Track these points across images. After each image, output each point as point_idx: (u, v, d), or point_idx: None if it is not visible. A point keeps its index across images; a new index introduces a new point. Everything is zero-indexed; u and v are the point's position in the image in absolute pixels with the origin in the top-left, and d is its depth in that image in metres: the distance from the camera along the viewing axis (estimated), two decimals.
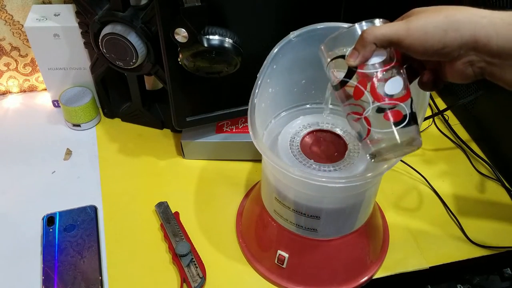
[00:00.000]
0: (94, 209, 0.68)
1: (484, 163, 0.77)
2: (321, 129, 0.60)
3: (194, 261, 0.61)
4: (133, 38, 0.66)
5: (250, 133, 0.52)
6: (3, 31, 0.81)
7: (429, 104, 0.85)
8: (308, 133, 0.59)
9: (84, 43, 0.75)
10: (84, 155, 0.78)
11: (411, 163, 0.76)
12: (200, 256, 0.62)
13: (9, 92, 0.89)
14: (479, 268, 0.68)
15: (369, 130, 0.44)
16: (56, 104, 0.85)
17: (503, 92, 0.73)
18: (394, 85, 0.43)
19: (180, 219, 0.67)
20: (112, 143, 0.80)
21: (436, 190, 0.73)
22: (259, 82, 0.55)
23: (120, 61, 0.69)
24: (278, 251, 0.59)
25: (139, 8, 0.66)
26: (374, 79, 0.43)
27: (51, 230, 0.65)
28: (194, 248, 0.63)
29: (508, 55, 0.37)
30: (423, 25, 0.39)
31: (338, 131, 0.59)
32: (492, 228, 0.68)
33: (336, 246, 0.58)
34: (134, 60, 0.68)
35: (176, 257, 0.61)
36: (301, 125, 0.60)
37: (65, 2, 0.79)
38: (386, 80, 0.43)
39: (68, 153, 0.78)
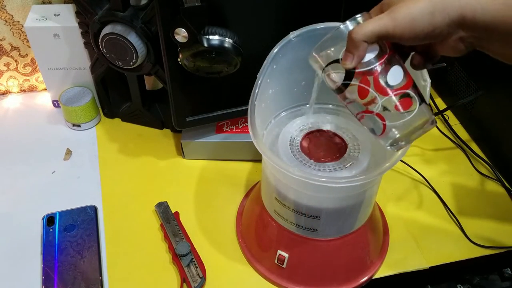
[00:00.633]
0: (94, 209, 0.68)
1: (484, 163, 0.77)
2: (321, 129, 0.60)
3: (194, 261, 0.61)
4: (133, 38, 0.66)
5: (250, 133, 0.52)
6: (3, 31, 0.81)
7: (429, 104, 0.84)
8: (308, 133, 0.59)
9: (84, 43, 0.75)
10: (84, 155, 0.78)
11: (411, 163, 0.76)
12: (200, 256, 0.62)
13: (9, 92, 0.89)
14: (479, 268, 0.68)
15: (384, 125, 0.44)
16: (56, 104, 0.85)
17: (503, 92, 0.74)
18: (395, 75, 0.43)
19: (180, 219, 0.67)
20: (112, 143, 0.80)
21: (436, 190, 0.73)
22: (259, 82, 0.55)
23: (120, 61, 0.69)
24: (278, 251, 0.59)
25: (139, 8, 0.66)
26: (375, 75, 0.43)
27: (51, 230, 0.65)
28: (194, 248, 0.63)
29: (494, 29, 0.38)
30: (409, 13, 0.39)
31: (338, 131, 0.59)
32: (492, 228, 0.68)
33: (336, 246, 0.58)
34: (134, 60, 0.68)
35: (176, 257, 0.61)
36: (301, 125, 0.60)
37: (65, 2, 0.79)
38: (386, 72, 0.43)
39: (68, 153, 0.78)
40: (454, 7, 0.38)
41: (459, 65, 0.82)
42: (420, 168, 0.75)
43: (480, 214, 0.70)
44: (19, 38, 0.82)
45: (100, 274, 0.60)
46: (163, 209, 0.68)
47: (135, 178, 0.74)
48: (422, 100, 0.44)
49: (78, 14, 0.70)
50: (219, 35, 0.58)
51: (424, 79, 0.49)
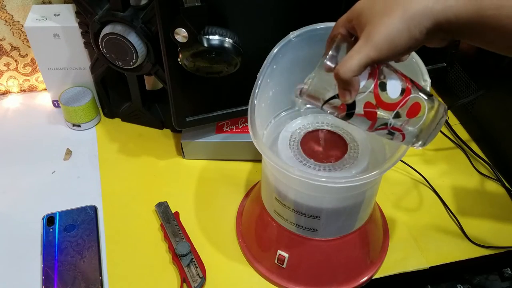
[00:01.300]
0: (94, 209, 0.68)
1: (484, 163, 0.77)
2: (321, 129, 0.60)
3: (194, 261, 0.61)
4: (133, 38, 0.66)
5: (250, 133, 0.52)
6: (3, 31, 0.81)
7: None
8: (308, 133, 0.59)
9: (84, 43, 0.75)
10: (84, 155, 0.78)
11: (411, 163, 0.76)
12: (200, 256, 0.62)
13: (9, 92, 0.89)
14: (479, 268, 0.68)
15: (403, 135, 0.45)
16: (56, 104, 0.85)
17: (503, 92, 0.74)
18: (394, 86, 0.43)
19: (180, 219, 0.67)
20: (112, 143, 0.80)
21: (436, 190, 0.73)
22: (259, 82, 0.55)
23: (120, 61, 0.69)
24: (278, 251, 0.59)
25: (139, 8, 0.66)
26: (376, 94, 0.42)
27: (51, 230, 0.65)
28: (194, 248, 0.63)
29: (471, 28, 0.38)
30: (387, 35, 0.39)
31: (338, 131, 0.59)
32: (492, 228, 0.68)
33: (336, 246, 0.58)
34: (134, 60, 0.68)
35: (176, 257, 0.61)
36: (301, 125, 0.60)
37: (65, 2, 0.79)
38: (384, 87, 0.43)
39: (68, 153, 0.78)
40: (428, 18, 0.38)
41: (459, 65, 0.82)
42: (420, 168, 0.75)
43: (480, 214, 0.70)
44: (19, 38, 0.82)
45: (100, 274, 0.60)
46: (163, 209, 0.68)
47: (135, 178, 0.74)
48: (426, 94, 0.44)
49: (78, 14, 0.70)
50: (219, 35, 0.58)
51: (424, 79, 0.49)
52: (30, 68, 0.87)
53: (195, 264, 0.61)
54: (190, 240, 0.64)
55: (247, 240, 0.64)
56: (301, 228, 0.57)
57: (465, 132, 0.83)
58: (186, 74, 0.63)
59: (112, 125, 0.83)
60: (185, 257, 0.61)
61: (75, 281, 0.59)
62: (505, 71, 0.73)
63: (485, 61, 0.77)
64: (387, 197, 0.72)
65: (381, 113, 0.43)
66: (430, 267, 0.63)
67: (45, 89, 0.89)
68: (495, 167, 0.76)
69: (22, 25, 0.81)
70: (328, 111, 0.45)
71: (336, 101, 0.43)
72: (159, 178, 0.74)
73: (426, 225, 0.68)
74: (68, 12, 0.75)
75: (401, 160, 0.75)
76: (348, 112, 0.44)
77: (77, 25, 0.73)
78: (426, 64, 0.51)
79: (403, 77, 0.44)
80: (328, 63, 0.42)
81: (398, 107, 0.43)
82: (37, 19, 0.74)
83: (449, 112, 0.86)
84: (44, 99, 0.88)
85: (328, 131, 0.60)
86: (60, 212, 0.67)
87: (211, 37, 0.57)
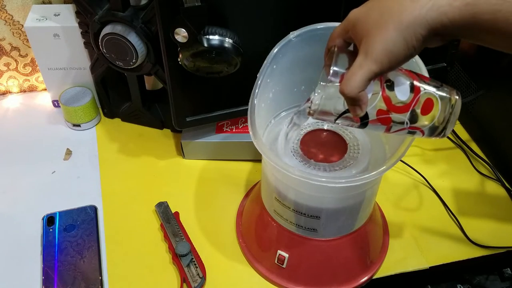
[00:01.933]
0: (94, 209, 0.68)
1: (484, 163, 0.77)
2: (321, 128, 0.60)
3: (194, 261, 0.61)
4: (133, 38, 0.66)
5: (250, 133, 0.52)
6: (3, 31, 0.81)
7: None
8: (308, 133, 0.59)
9: (84, 43, 0.75)
10: (84, 155, 0.78)
11: (411, 163, 0.76)
12: (200, 256, 0.62)
13: (9, 92, 0.89)
14: (479, 268, 0.68)
15: (422, 131, 0.45)
16: (56, 104, 0.85)
17: (503, 92, 0.74)
18: (403, 89, 0.43)
19: (180, 219, 0.67)
20: (112, 143, 0.80)
21: (436, 190, 0.73)
22: (259, 82, 0.55)
23: (120, 61, 0.69)
24: (278, 251, 0.59)
25: (139, 8, 0.66)
26: (386, 101, 0.42)
27: (51, 230, 0.65)
28: (194, 248, 0.63)
29: (468, 30, 0.38)
30: (385, 48, 0.39)
31: (338, 131, 0.59)
32: (492, 228, 0.68)
33: (336, 246, 0.58)
34: (134, 60, 0.68)
35: (176, 257, 0.61)
36: None
37: (65, 2, 0.79)
38: (392, 91, 0.43)
39: (68, 153, 0.78)
40: (423, 26, 0.38)
41: (459, 65, 0.82)
42: (420, 168, 0.75)
43: (480, 214, 0.70)
44: (19, 38, 0.82)
45: (100, 274, 0.60)
46: (163, 209, 0.68)
47: (135, 178, 0.74)
48: (436, 86, 0.44)
49: (78, 14, 0.70)
50: (219, 35, 0.58)
51: None
52: (30, 68, 0.87)
53: (195, 264, 0.61)
54: (190, 240, 0.64)
55: (247, 240, 0.64)
56: (301, 228, 0.57)
57: (465, 132, 0.83)
58: (186, 74, 0.63)
59: (112, 125, 0.83)
60: (185, 257, 0.61)
61: (75, 281, 0.59)
62: (505, 71, 0.73)
63: (485, 61, 0.77)
64: (387, 197, 0.72)
65: (395, 116, 0.43)
66: (430, 267, 0.63)
67: (45, 89, 0.89)
68: (495, 167, 0.76)
69: (22, 25, 0.81)
70: (342, 124, 0.45)
71: (349, 114, 0.43)
72: (159, 178, 0.74)
73: (426, 225, 0.68)
74: (68, 12, 0.75)
75: (401, 160, 0.75)
76: (362, 122, 0.44)
77: (77, 25, 0.73)
78: (426, 64, 0.51)
79: (409, 75, 0.44)
80: (333, 79, 0.42)
81: (411, 108, 0.43)
82: (37, 19, 0.74)
83: None
84: (44, 99, 0.88)
85: (328, 131, 0.60)
86: (60, 212, 0.67)
87: (211, 37, 0.57)
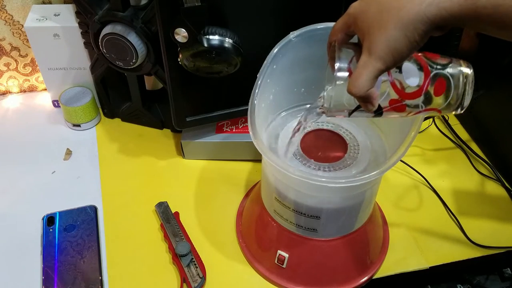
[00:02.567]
0: (94, 209, 0.68)
1: (484, 163, 0.77)
2: (321, 128, 0.60)
3: (194, 261, 0.61)
4: (133, 38, 0.66)
5: (250, 133, 0.52)
6: (3, 31, 0.81)
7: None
8: (308, 133, 0.59)
9: (84, 43, 0.75)
10: (84, 155, 0.78)
11: (411, 163, 0.76)
12: (200, 256, 0.62)
13: (9, 92, 0.89)
14: (479, 268, 0.68)
15: (439, 111, 0.45)
16: (56, 104, 0.85)
17: (503, 92, 0.74)
18: (412, 76, 0.42)
19: (180, 219, 0.67)
20: (112, 143, 0.80)
21: (436, 190, 0.73)
22: (259, 82, 0.55)
23: (120, 61, 0.69)
24: (278, 251, 0.59)
25: (139, 8, 0.66)
26: (396, 90, 0.42)
27: (51, 230, 0.65)
28: (194, 248, 0.63)
29: (469, 22, 0.38)
30: (387, 46, 0.39)
31: (338, 131, 0.59)
32: (492, 228, 0.68)
33: (336, 246, 0.58)
34: (134, 60, 0.68)
35: (176, 257, 0.61)
36: None
37: (65, 2, 0.79)
38: (401, 79, 0.42)
39: (68, 153, 0.78)
40: (423, 22, 0.38)
41: None
42: (420, 168, 0.75)
43: (480, 214, 0.70)
44: (19, 38, 0.82)
45: (100, 274, 0.60)
46: (163, 209, 0.68)
47: (135, 178, 0.74)
48: (444, 64, 0.43)
49: (78, 14, 0.70)
50: (219, 35, 0.58)
51: None
52: (30, 68, 0.87)
53: (195, 264, 0.61)
54: (190, 240, 0.64)
55: (247, 240, 0.64)
56: (301, 228, 0.57)
57: (465, 132, 0.83)
58: (186, 74, 0.63)
59: (112, 125, 0.83)
60: (185, 257, 0.61)
61: (75, 281, 0.59)
62: (505, 71, 0.73)
63: (485, 61, 0.77)
64: (387, 197, 0.72)
65: (409, 102, 0.43)
66: (430, 267, 0.63)
67: (45, 89, 0.89)
68: (495, 167, 0.76)
69: (22, 25, 0.81)
70: (357, 116, 0.45)
71: (362, 108, 0.43)
72: (159, 178, 0.74)
73: (426, 225, 0.68)
74: (68, 12, 0.75)
75: (401, 160, 0.75)
76: (377, 113, 0.44)
77: (77, 25, 0.73)
78: None
79: (417, 58, 0.43)
80: (339, 75, 0.42)
81: (423, 91, 0.43)
82: (37, 19, 0.74)
83: None
84: (44, 99, 0.88)
85: (328, 131, 0.60)
86: (60, 212, 0.67)
87: (211, 37, 0.57)
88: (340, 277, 0.60)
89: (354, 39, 0.45)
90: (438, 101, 0.44)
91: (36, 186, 0.72)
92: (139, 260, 0.63)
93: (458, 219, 0.68)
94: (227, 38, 0.58)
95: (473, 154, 0.78)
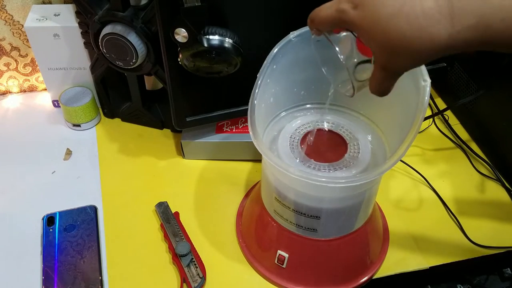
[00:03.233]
0: (94, 209, 0.68)
1: (484, 163, 0.77)
2: (321, 128, 0.60)
3: (194, 261, 0.61)
4: (133, 38, 0.66)
5: (250, 133, 0.52)
6: (3, 31, 0.81)
7: (429, 104, 0.85)
8: (308, 133, 0.59)
9: (84, 43, 0.75)
10: (84, 155, 0.78)
11: (411, 163, 0.76)
12: (200, 256, 0.62)
13: (9, 92, 0.89)
14: (479, 268, 0.68)
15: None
16: (56, 104, 0.85)
17: (503, 92, 0.74)
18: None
19: (180, 219, 0.67)
20: (112, 143, 0.80)
21: (436, 190, 0.73)
22: (259, 82, 0.55)
23: (120, 61, 0.69)
24: (278, 251, 0.59)
25: (139, 8, 0.66)
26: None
27: (51, 230, 0.65)
28: (194, 248, 0.63)
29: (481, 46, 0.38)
30: (404, 68, 0.40)
31: (338, 130, 0.59)
32: (492, 228, 0.68)
33: (336, 246, 0.58)
34: (134, 60, 0.68)
35: (176, 257, 0.61)
36: (301, 125, 0.60)
37: (65, 2, 0.79)
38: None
39: (68, 153, 0.78)
40: (436, 54, 0.38)
41: (459, 65, 0.82)
42: (420, 168, 0.75)
43: (480, 214, 0.70)
44: (19, 38, 0.82)
45: (100, 274, 0.60)
46: (163, 209, 0.68)
47: (135, 178, 0.74)
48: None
49: (78, 14, 0.70)
50: (219, 35, 0.58)
51: (424, 79, 0.49)
52: (30, 68, 0.87)
53: (195, 264, 0.61)
54: (190, 240, 0.64)
55: (247, 240, 0.64)
56: (301, 228, 0.56)
57: (465, 132, 0.83)
58: (186, 74, 0.63)
59: (112, 125, 0.83)
60: (185, 257, 0.61)
61: (75, 281, 0.59)
62: (505, 71, 0.73)
63: (485, 61, 0.77)
64: (387, 197, 0.72)
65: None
66: (430, 267, 0.63)
67: (45, 89, 0.89)
68: (495, 167, 0.76)
69: (22, 25, 0.81)
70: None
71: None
72: (159, 178, 0.74)
73: (426, 225, 0.68)
74: (68, 12, 0.75)
75: (401, 160, 0.75)
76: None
77: (77, 25, 0.73)
78: (426, 64, 0.51)
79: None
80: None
81: None
82: (37, 19, 0.74)
83: (449, 112, 0.86)
84: (44, 99, 0.88)
85: (328, 130, 0.60)
86: (60, 212, 0.67)
87: (211, 37, 0.57)
88: (340, 277, 0.60)
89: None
90: None
91: (36, 186, 0.72)
92: (139, 260, 0.63)
93: (458, 219, 0.68)
94: (227, 38, 0.58)
95: (473, 154, 0.78)
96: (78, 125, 0.81)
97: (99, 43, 0.68)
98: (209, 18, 0.57)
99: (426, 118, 0.82)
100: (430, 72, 0.50)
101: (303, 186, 0.52)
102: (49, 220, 0.66)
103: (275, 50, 0.55)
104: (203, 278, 0.60)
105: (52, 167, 0.75)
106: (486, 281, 0.68)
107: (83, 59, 0.78)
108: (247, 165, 0.76)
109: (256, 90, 0.54)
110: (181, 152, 0.77)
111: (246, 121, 0.75)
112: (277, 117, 0.62)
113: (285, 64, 0.57)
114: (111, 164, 0.76)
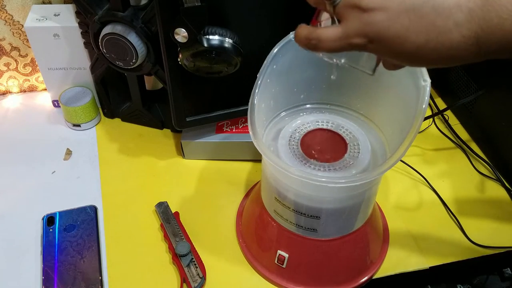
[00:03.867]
0: (94, 209, 0.68)
1: (484, 163, 0.77)
2: (321, 128, 0.60)
3: (194, 261, 0.61)
4: (133, 38, 0.66)
5: (250, 133, 0.52)
6: (3, 31, 0.81)
7: (429, 104, 0.85)
8: (308, 133, 0.59)
9: (84, 43, 0.75)
10: (84, 155, 0.78)
11: (411, 163, 0.76)
12: (200, 256, 0.62)
13: (9, 92, 0.89)
14: (479, 268, 0.68)
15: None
16: (56, 104, 0.85)
17: (503, 92, 0.74)
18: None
19: (180, 219, 0.67)
20: (112, 143, 0.80)
21: (436, 190, 0.73)
22: (259, 82, 0.55)
23: (120, 61, 0.69)
24: (278, 251, 0.59)
25: (139, 8, 0.66)
26: None
27: (51, 230, 0.65)
28: (194, 248, 0.63)
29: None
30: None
31: (338, 130, 0.59)
32: (492, 228, 0.68)
33: (336, 246, 0.58)
34: (134, 60, 0.68)
35: (176, 257, 0.61)
36: (301, 125, 0.60)
37: (65, 2, 0.79)
38: None
39: (68, 153, 0.78)
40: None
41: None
42: (420, 168, 0.75)
43: (480, 214, 0.70)
44: (19, 38, 0.82)
45: (100, 274, 0.60)
46: (163, 209, 0.68)
47: (135, 178, 0.74)
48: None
49: (78, 14, 0.70)
50: (219, 35, 0.58)
51: (424, 79, 0.49)
52: (30, 68, 0.87)
53: (195, 264, 0.61)
54: (190, 240, 0.64)
55: (247, 240, 0.64)
56: (301, 228, 0.56)
57: (465, 132, 0.83)
58: (186, 74, 0.63)
59: (112, 125, 0.83)
60: (185, 257, 0.61)
61: (75, 281, 0.59)
62: (505, 71, 0.73)
63: (485, 61, 0.77)
64: (387, 197, 0.72)
65: None
66: (430, 267, 0.63)
67: (45, 89, 0.89)
68: (495, 167, 0.76)
69: (22, 25, 0.81)
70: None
71: None
72: (159, 178, 0.74)
73: (426, 225, 0.68)
74: (68, 12, 0.75)
75: (401, 160, 0.75)
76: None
77: (77, 25, 0.73)
78: None
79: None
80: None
81: None
82: (37, 19, 0.74)
83: (449, 112, 0.86)
84: (44, 99, 0.88)
85: (328, 130, 0.60)
86: (60, 212, 0.67)
87: (211, 37, 0.57)
88: (340, 277, 0.60)
89: None
90: None
91: (36, 186, 0.72)
92: (139, 260, 0.63)
93: (458, 219, 0.68)
94: (227, 38, 0.58)
95: (473, 154, 0.78)
96: (78, 125, 0.81)
97: (99, 43, 0.68)
98: (209, 18, 0.57)
99: (426, 118, 0.82)
100: (430, 72, 0.50)
101: (303, 186, 0.52)
102: (49, 220, 0.66)
103: (275, 50, 0.55)
104: (203, 278, 0.60)
105: (52, 167, 0.75)
106: (486, 281, 0.68)
107: (83, 59, 0.78)
108: (247, 165, 0.76)
109: (256, 90, 0.54)
110: (181, 152, 0.77)
111: (246, 121, 0.75)
112: (277, 117, 0.62)
113: (285, 64, 0.57)
114: (111, 164, 0.76)
